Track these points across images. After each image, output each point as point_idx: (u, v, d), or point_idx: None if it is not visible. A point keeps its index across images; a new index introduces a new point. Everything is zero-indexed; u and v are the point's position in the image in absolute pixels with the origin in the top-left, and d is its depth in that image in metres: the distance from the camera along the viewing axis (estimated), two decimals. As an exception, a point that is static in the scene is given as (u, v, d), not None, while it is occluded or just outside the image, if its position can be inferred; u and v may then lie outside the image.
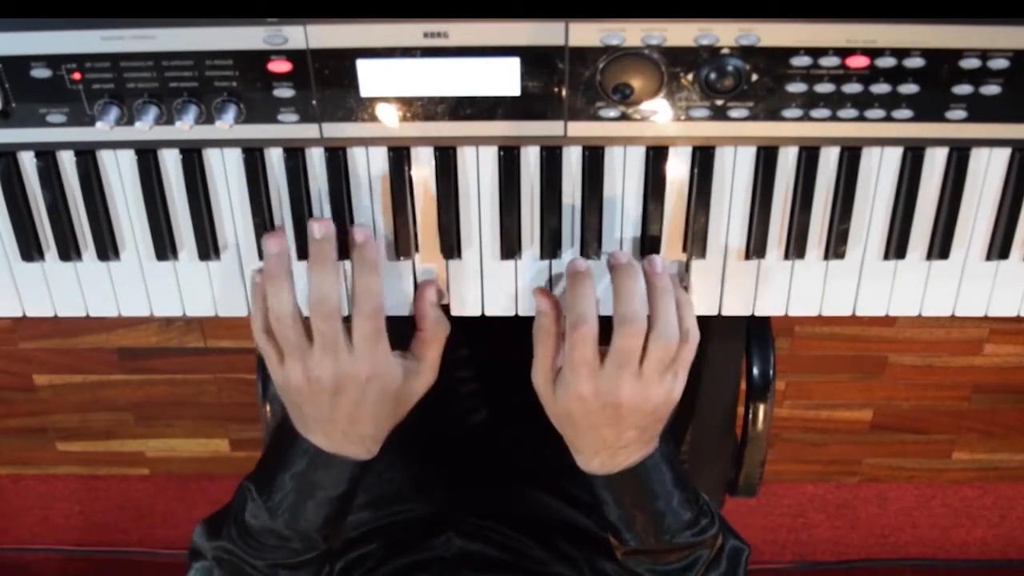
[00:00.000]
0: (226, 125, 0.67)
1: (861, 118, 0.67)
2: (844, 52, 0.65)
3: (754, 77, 0.66)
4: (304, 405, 0.71)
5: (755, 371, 1.00)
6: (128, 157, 0.71)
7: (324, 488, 0.73)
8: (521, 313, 0.75)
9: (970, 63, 0.65)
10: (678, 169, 0.71)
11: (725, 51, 0.65)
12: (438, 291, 0.74)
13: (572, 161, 0.70)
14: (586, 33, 0.64)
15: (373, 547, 0.89)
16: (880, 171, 0.71)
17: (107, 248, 0.73)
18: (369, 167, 0.71)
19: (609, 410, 0.69)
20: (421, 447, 0.98)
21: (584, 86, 0.66)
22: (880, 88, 0.66)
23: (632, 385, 0.68)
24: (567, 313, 0.69)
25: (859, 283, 0.75)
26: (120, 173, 0.71)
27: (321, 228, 0.68)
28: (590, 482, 0.75)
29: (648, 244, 0.72)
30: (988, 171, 0.71)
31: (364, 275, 0.69)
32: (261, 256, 0.72)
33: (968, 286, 0.75)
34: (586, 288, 0.69)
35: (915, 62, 0.65)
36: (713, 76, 0.65)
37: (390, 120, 0.68)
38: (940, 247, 0.73)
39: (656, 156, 0.70)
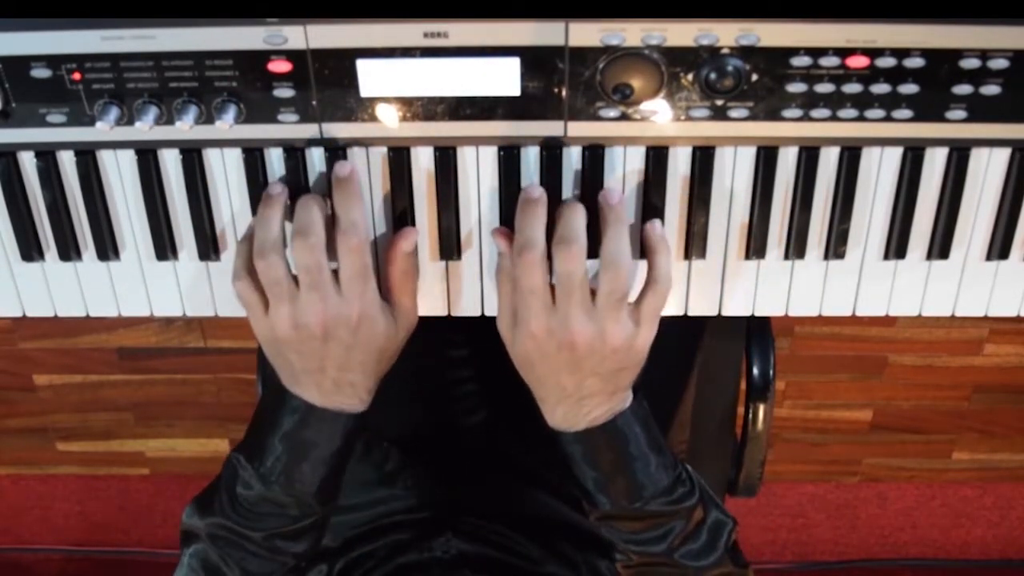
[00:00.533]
0: (226, 125, 0.67)
1: (861, 118, 0.67)
2: (844, 52, 0.65)
3: (754, 77, 0.66)
4: (292, 355, 0.69)
5: (755, 371, 1.00)
6: (128, 157, 0.71)
7: (318, 446, 0.71)
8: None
9: (970, 63, 0.65)
10: (678, 169, 0.71)
11: (725, 51, 0.65)
12: (412, 239, 0.72)
13: (572, 161, 0.70)
14: (586, 33, 0.64)
15: (373, 547, 0.89)
16: (880, 171, 0.71)
17: (107, 248, 0.73)
18: (369, 167, 0.71)
19: (565, 352, 0.66)
20: (421, 447, 0.98)
21: (584, 86, 0.66)
22: (880, 88, 0.66)
23: (584, 321, 0.65)
24: (515, 241, 0.67)
25: (859, 283, 0.75)
26: (120, 173, 0.71)
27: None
28: (558, 439, 0.72)
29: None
30: (988, 171, 0.71)
31: (348, 208, 0.67)
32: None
33: (968, 286, 0.75)
34: (536, 213, 0.67)
35: (915, 62, 0.65)
36: (713, 76, 0.65)
37: (390, 120, 0.68)
38: (940, 247, 0.73)
39: (656, 156, 0.70)
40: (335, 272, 0.67)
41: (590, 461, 0.71)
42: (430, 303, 0.75)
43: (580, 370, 0.67)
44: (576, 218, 0.66)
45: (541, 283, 0.66)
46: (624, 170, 0.71)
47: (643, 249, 0.71)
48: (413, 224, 0.72)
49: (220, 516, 0.73)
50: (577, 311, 0.65)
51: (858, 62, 0.65)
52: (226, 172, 0.71)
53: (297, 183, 0.70)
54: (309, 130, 0.68)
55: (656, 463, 0.71)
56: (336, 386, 0.70)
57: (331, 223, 0.68)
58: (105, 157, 0.71)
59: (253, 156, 0.70)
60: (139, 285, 0.75)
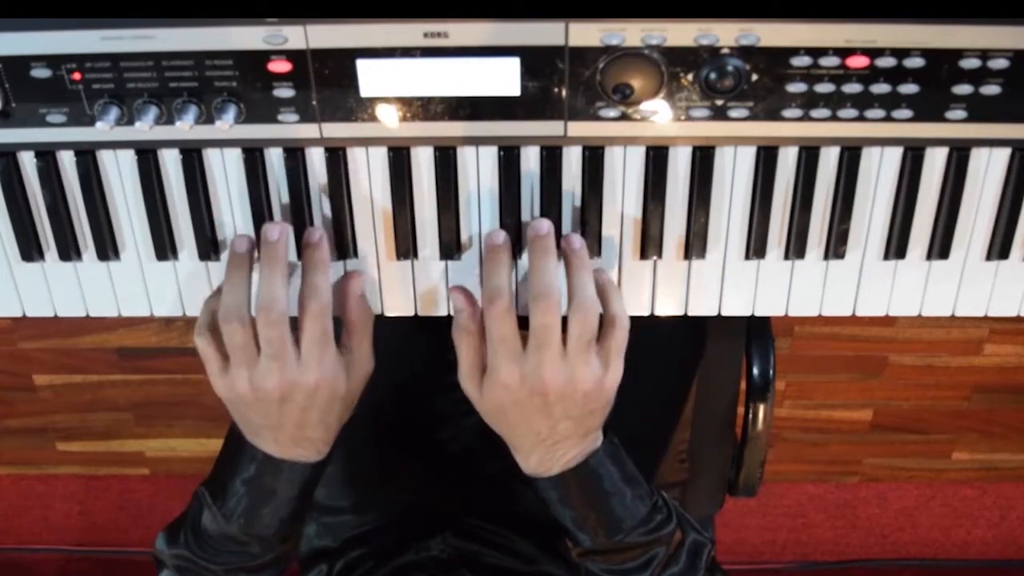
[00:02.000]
0: (226, 125, 0.67)
1: (861, 118, 0.67)
2: (844, 52, 0.65)
3: (754, 77, 0.66)
4: (250, 413, 0.70)
5: (755, 371, 0.99)
6: (128, 157, 0.71)
7: (276, 493, 0.72)
8: (520, 313, 0.75)
9: (970, 63, 0.65)
10: (678, 169, 0.70)
11: (725, 51, 0.65)
12: (361, 282, 0.73)
13: (572, 161, 0.70)
14: (586, 33, 0.64)
15: (371, 548, 0.89)
16: (880, 171, 0.71)
17: (107, 248, 0.73)
18: (369, 167, 0.71)
19: (537, 398, 0.67)
20: (418, 448, 0.97)
21: (584, 86, 0.66)
22: (880, 88, 0.66)
23: (555, 367, 0.66)
24: (483, 291, 0.68)
25: (859, 283, 0.75)
26: (120, 173, 0.71)
27: (276, 230, 0.67)
28: (534, 485, 0.73)
29: (648, 244, 0.72)
30: (988, 171, 0.71)
31: (313, 275, 0.68)
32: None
33: (968, 286, 0.75)
34: (500, 262, 0.68)
35: (915, 62, 0.65)
36: (713, 76, 0.65)
37: (390, 120, 0.68)
38: (940, 247, 0.73)
39: (656, 156, 0.70)
40: (296, 333, 0.68)
41: (567, 503, 0.72)
42: (430, 303, 0.75)
43: (552, 415, 0.68)
44: (549, 269, 0.67)
45: (511, 332, 0.67)
46: (624, 170, 0.71)
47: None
48: (413, 227, 0.72)
49: (184, 548, 0.75)
50: (549, 358, 0.67)
51: (858, 62, 0.65)
52: (226, 172, 0.71)
53: (297, 183, 0.70)
54: (309, 130, 0.68)
55: (631, 495, 0.73)
56: (293, 440, 0.71)
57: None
58: (105, 157, 0.71)
59: (253, 156, 0.70)
60: (139, 285, 0.75)
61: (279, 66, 0.66)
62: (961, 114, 0.67)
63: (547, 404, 0.68)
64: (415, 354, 0.95)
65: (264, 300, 0.66)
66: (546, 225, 0.69)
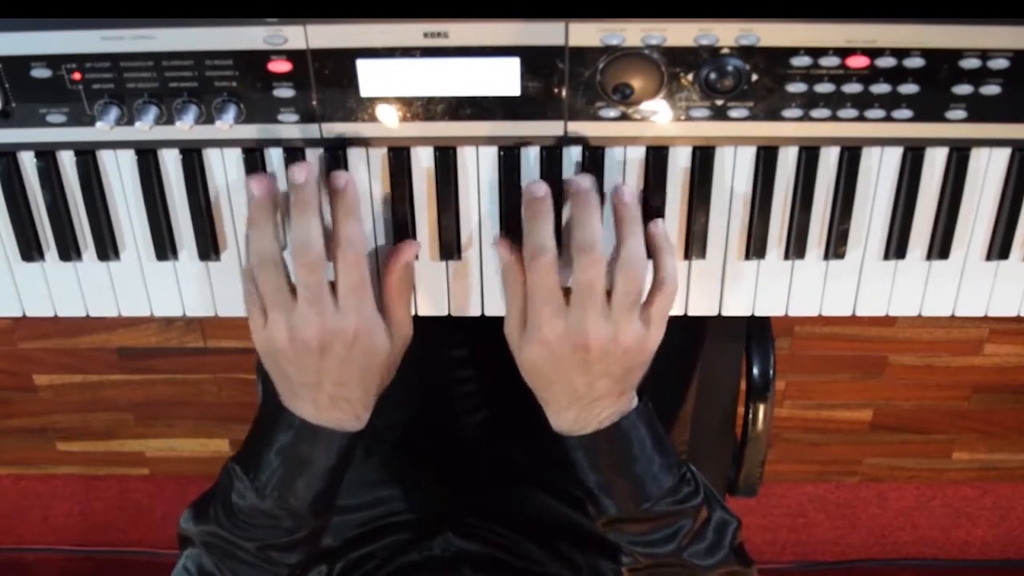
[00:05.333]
0: (226, 125, 0.67)
1: (861, 118, 0.67)
2: (844, 52, 0.65)
3: (754, 77, 0.66)
4: (289, 368, 0.69)
5: (755, 371, 1.00)
6: (128, 157, 0.71)
7: (312, 463, 0.71)
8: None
9: (970, 63, 0.65)
10: (678, 169, 0.71)
11: (725, 51, 0.65)
12: (413, 250, 0.72)
13: (572, 161, 0.70)
14: (586, 33, 0.64)
15: (373, 548, 0.89)
16: (880, 171, 0.71)
17: (107, 248, 0.73)
18: (369, 167, 0.71)
19: (578, 353, 0.66)
20: (421, 447, 0.98)
21: (584, 86, 0.66)
22: (880, 88, 0.66)
23: (599, 323, 0.65)
24: (524, 246, 0.67)
25: (859, 283, 0.75)
26: (120, 173, 0.71)
27: (302, 171, 0.65)
28: (564, 444, 0.72)
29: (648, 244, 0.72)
30: (988, 171, 0.71)
31: (346, 222, 0.67)
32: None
33: (968, 286, 0.75)
34: (543, 214, 0.66)
35: (915, 62, 0.65)
36: (713, 76, 0.65)
37: (390, 120, 0.68)
38: (940, 247, 0.73)
39: (656, 156, 0.70)
40: (332, 283, 0.67)
41: (596, 465, 0.71)
42: (431, 303, 0.75)
43: (591, 372, 0.67)
44: (593, 222, 0.66)
45: (555, 288, 0.66)
46: (624, 170, 0.71)
47: (648, 249, 0.70)
48: (413, 227, 0.72)
49: (214, 524, 0.74)
50: (593, 314, 0.65)
51: (858, 62, 0.65)
52: (226, 172, 0.71)
53: (297, 183, 0.70)
54: (309, 130, 0.68)
55: (660, 464, 0.71)
56: (332, 402, 0.70)
57: (328, 232, 0.68)
58: (105, 157, 0.71)
59: (253, 156, 0.70)
60: (139, 285, 0.75)
61: (279, 66, 0.66)
62: (961, 114, 0.67)
63: (587, 361, 0.66)
64: (417, 353, 0.95)
65: (300, 243, 0.65)
66: (588, 180, 0.67)
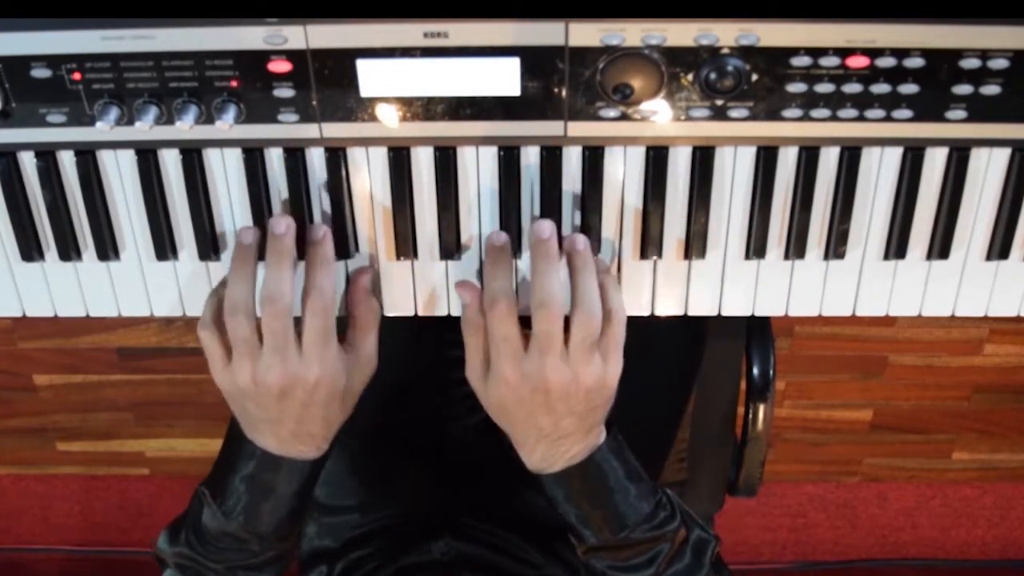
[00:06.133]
0: (226, 125, 0.67)
1: (861, 118, 0.67)
2: (844, 52, 0.65)
3: (754, 77, 0.66)
4: (250, 406, 0.70)
5: (755, 371, 1.00)
6: (128, 157, 0.71)
7: (276, 490, 0.73)
8: (521, 313, 0.75)
9: (970, 63, 0.65)
10: (678, 169, 0.70)
11: (725, 51, 0.65)
12: (371, 277, 0.73)
13: (572, 161, 0.70)
14: (586, 33, 0.64)
15: (371, 549, 0.89)
16: (880, 171, 0.71)
17: (107, 248, 0.73)
18: (369, 167, 0.71)
19: (539, 396, 0.68)
20: (419, 449, 0.97)
21: (584, 86, 0.66)
22: (880, 88, 0.66)
23: (558, 368, 0.67)
24: (484, 293, 0.69)
25: (859, 283, 0.75)
26: (120, 173, 0.71)
27: (282, 224, 0.68)
28: (539, 481, 0.74)
29: (648, 244, 0.72)
30: (988, 171, 0.71)
31: (318, 272, 0.68)
32: (261, 256, 0.71)
33: (968, 286, 0.75)
34: (501, 263, 0.68)
35: (915, 62, 0.65)
36: (713, 76, 0.65)
37: (390, 120, 0.68)
38: (940, 247, 0.73)
39: (656, 156, 0.70)
40: (298, 331, 0.68)
41: (571, 499, 0.73)
42: (430, 303, 0.75)
43: (555, 412, 0.69)
44: (551, 275, 0.67)
45: (513, 333, 0.67)
46: (624, 170, 0.71)
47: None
48: (413, 227, 0.72)
49: (185, 547, 0.76)
50: (552, 359, 0.67)
51: (858, 62, 0.65)
52: (226, 172, 0.71)
53: (297, 183, 0.70)
54: (309, 130, 0.68)
55: (636, 492, 0.73)
56: (293, 436, 0.71)
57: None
58: (105, 157, 0.71)
59: (253, 156, 0.70)
60: (139, 285, 0.75)
61: (279, 66, 0.66)
62: (961, 114, 0.67)
63: (549, 402, 0.68)
64: (416, 354, 0.95)
65: (270, 292, 0.66)
66: (548, 228, 0.69)
